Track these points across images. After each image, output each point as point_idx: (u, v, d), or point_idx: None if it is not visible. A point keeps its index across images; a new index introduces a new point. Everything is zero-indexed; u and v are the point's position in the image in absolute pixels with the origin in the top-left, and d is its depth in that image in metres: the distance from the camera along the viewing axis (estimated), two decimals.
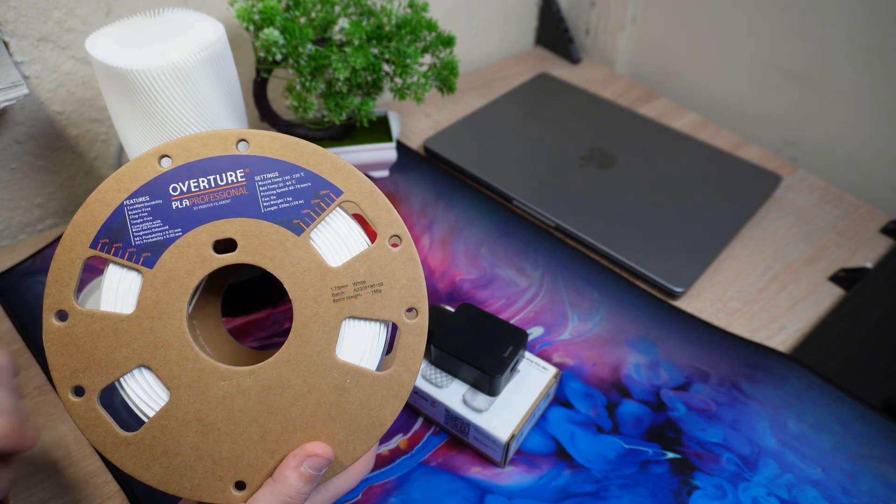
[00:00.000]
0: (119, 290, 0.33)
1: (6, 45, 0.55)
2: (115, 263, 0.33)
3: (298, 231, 0.33)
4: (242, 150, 0.33)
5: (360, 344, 0.34)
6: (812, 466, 0.47)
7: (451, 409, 0.46)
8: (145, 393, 0.33)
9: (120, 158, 0.66)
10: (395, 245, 0.33)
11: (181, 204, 0.32)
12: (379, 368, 0.34)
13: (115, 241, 0.32)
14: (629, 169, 0.70)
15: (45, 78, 0.59)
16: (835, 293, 0.60)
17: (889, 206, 0.73)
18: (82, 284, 0.54)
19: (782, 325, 0.57)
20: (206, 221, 0.33)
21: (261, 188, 0.33)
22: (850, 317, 0.57)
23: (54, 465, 0.46)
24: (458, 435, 0.47)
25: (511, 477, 0.46)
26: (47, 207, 0.66)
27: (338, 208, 0.34)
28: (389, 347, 0.35)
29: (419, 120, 0.80)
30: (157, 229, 0.32)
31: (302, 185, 0.33)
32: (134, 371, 0.32)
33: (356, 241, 0.34)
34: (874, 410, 0.50)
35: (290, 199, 0.33)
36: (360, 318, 0.33)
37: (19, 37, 0.55)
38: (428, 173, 0.71)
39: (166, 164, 0.33)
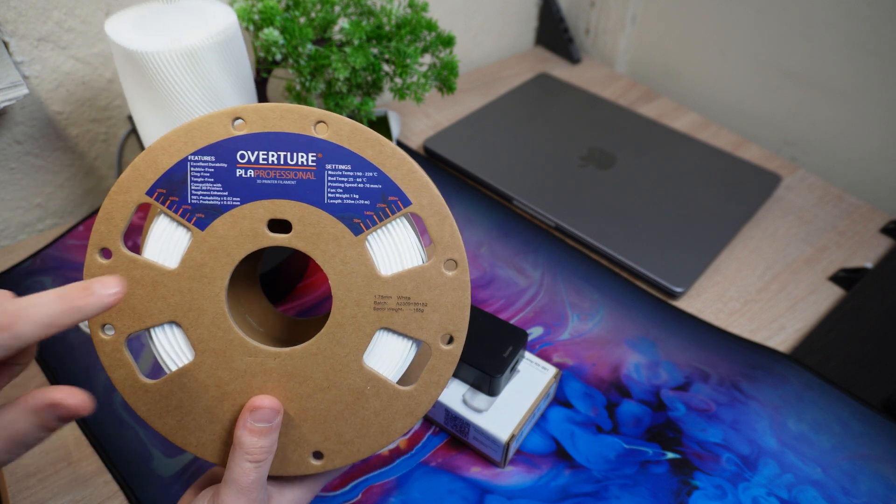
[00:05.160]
0: (166, 243, 0.32)
1: (6, 45, 0.55)
2: (167, 216, 0.32)
3: (357, 231, 0.32)
4: (320, 132, 0.32)
5: (388, 356, 0.33)
6: (812, 466, 0.47)
7: (450, 409, 0.46)
8: (172, 348, 0.33)
9: (122, 151, 0.66)
10: (450, 269, 0.33)
11: (245, 173, 0.32)
12: (399, 382, 0.34)
13: (171, 194, 0.32)
14: (629, 169, 0.70)
15: (45, 78, 0.59)
16: (835, 293, 0.60)
17: (889, 206, 0.73)
18: None
19: (782, 325, 0.57)
20: (267, 197, 0.32)
21: (329, 178, 0.32)
22: (850, 317, 0.57)
23: (54, 465, 0.46)
24: (458, 435, 0.47)
25: (511, 477, 0.46)
26: (47, 207, 0.66)
27: (402, 218, 0.33)
28: None
29: (419, 120, 0.80)
30: (215, 192, 0.32)
31: (372, 186, 0.32)
32: (165, 325, 0.32)
33: (412, 255, 0.33)
34: (874, 410, 0.50)
35: (357, 196, 0.32)
36: (395, 332, 0.33)
37: (19, 37, 0.55)
38: (428, 173, 0.71)
39: (239, 127, 0.31)
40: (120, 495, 0.44)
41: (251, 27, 0.56)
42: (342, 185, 0.32)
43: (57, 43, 0.58)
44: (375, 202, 0.32)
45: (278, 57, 0.56)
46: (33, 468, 0.45)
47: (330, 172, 0.32)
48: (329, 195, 0.32)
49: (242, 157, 0.32)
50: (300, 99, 0.60)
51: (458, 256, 0.33)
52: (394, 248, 0.33)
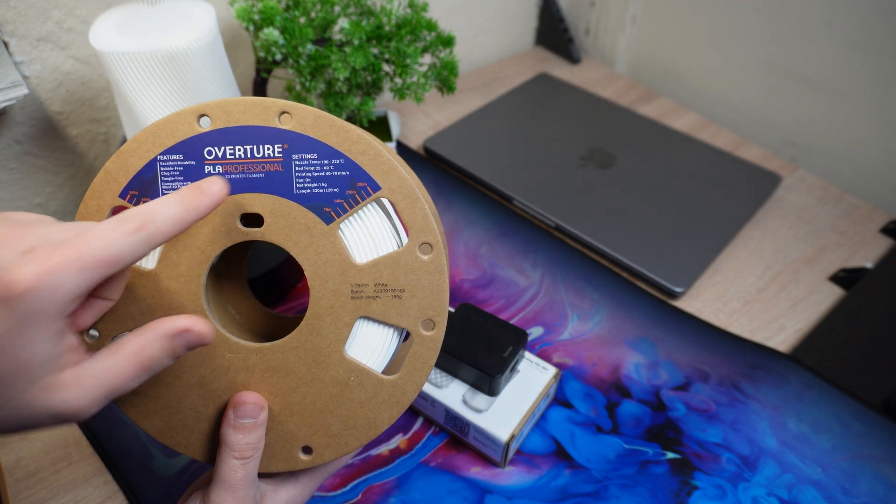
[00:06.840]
0: None
1: (6, 45, 0.55)
2: None
3: (328, 220, 0.32)
4: (284, 123, 0.32)
5: (370, 345, 0.33)
6: (812, 466, 0.47)
7: (451, 409, 0.46)
8: None
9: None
10: (425, 253, 0.32)
11: (214, 170, 0.32)
12: (384, 371, 0.34)
13: (143, 195, 0.32)
14: (629, 169, 0.70)
15: (45, 78, 0.59)
16: (835, 293, 0.60)
17: (889, 206, 0.73)
18: None
19: (782, 325, 0.57)
20: (237, 192, 0.32)
21: (297, 168, 0.32)
22: (850, 317, 0.57)
23: (54, 465, 0.46)
24: (458, 435, 0.47)
25: (511, 477, 0.46)
26: (47, 207, 0.66)
27: (373, 203, 0.32)
28: None
29: (419, 120, 0.80)
30: None
31: (339, 173, 0.32)
32: None
33: (385, 241, 0.33)
34: (874, 410, 0.50)
35: (325, 184, 0.32)
36: (375, 321, 0.33)
37: (19, 37, 0.55)
38: (428, 173, 0.71)
39: (205, 125, 0.31)
40: (120, 495, 0.44)
41: (251, 27, 0.56)
42: (310, 174, 0.32)
43: (57, 43, 0.58)
44: (345, 189, 0.32)
45: (278, 57, 0.56)
46: (33, 468, 0.45)
47: (297, 162, 0.32)
48: (298, 185, 0.32)
49: (210, 153, 0.32)
50: (300, 99, 0.60)
51: (433, 239, 0.32)
52: (367, 235, 0.33)
